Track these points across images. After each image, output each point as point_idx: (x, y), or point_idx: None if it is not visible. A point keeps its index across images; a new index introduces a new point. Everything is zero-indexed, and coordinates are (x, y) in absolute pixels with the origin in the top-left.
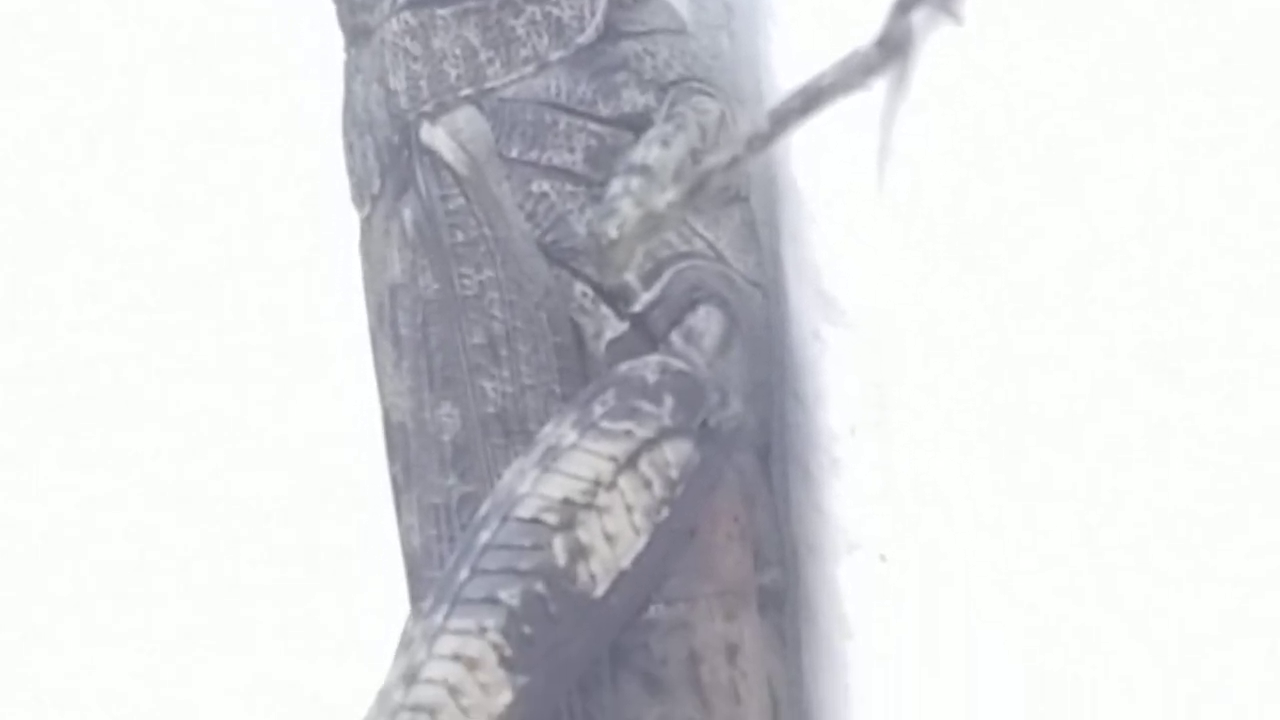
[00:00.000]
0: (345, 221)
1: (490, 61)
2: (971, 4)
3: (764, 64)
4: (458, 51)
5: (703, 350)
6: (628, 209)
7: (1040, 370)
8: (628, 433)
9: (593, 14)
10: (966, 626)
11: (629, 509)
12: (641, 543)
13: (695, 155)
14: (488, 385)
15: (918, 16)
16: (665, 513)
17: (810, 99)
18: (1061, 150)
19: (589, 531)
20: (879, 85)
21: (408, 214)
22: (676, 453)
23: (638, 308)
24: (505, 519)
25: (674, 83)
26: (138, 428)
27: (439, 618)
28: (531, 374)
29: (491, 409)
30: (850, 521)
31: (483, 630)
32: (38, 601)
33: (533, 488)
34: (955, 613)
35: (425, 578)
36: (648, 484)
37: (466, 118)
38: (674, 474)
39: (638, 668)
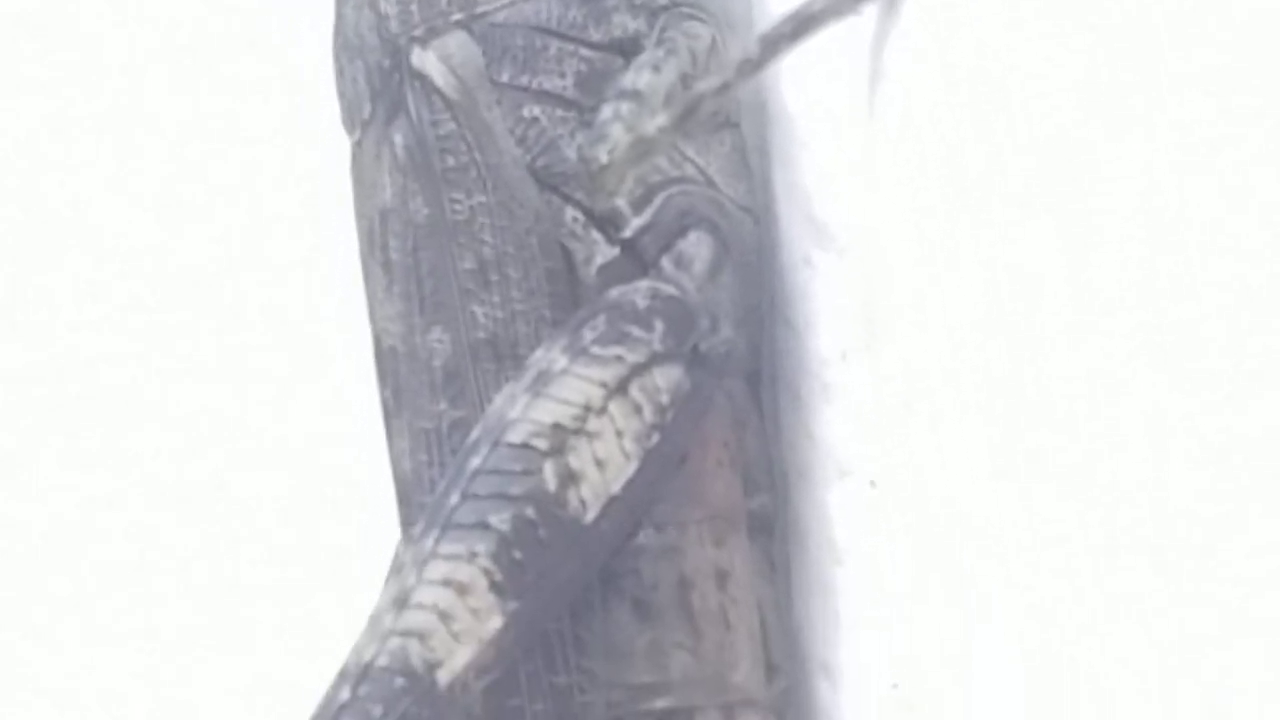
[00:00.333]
0: (345, 221)
1: None
2: None
3: None
4: None
5: (693, 275)
6: (618, 134)
7: (1032, 291)
8: (618, 358)
9: None
10: (957, 551)
11: (619, 434)
12: (632, 468)
13: (686, 80)
14: (478, 310)
15: None
16: (655, 438)
17: (801, 24)
18: (1053, 72)
19: (579, 457)
20: (869, 10)
21: (398, 139)
22: (667, 378)
23: (628, 233)
24: (496, 444)
25: (665, 8)
26: (138, 428)
27: (429, 543)
28: (522, 299)
29: (482, 334)
30: (840, 447)
31: (473, 555)
32: (38, 601)
33: (523, 413)
34: (946, 538)
35: (416, 503)
36: (638, 409)
37: (457, 42)
38: (664, 399)
39: (628, 593)
